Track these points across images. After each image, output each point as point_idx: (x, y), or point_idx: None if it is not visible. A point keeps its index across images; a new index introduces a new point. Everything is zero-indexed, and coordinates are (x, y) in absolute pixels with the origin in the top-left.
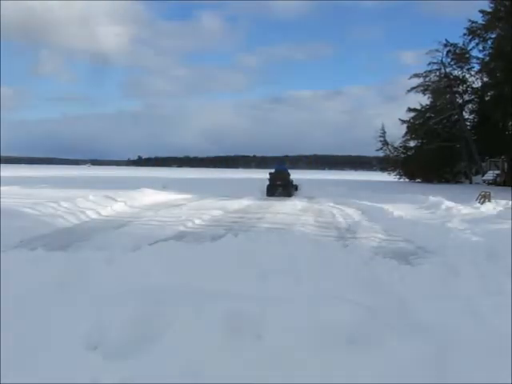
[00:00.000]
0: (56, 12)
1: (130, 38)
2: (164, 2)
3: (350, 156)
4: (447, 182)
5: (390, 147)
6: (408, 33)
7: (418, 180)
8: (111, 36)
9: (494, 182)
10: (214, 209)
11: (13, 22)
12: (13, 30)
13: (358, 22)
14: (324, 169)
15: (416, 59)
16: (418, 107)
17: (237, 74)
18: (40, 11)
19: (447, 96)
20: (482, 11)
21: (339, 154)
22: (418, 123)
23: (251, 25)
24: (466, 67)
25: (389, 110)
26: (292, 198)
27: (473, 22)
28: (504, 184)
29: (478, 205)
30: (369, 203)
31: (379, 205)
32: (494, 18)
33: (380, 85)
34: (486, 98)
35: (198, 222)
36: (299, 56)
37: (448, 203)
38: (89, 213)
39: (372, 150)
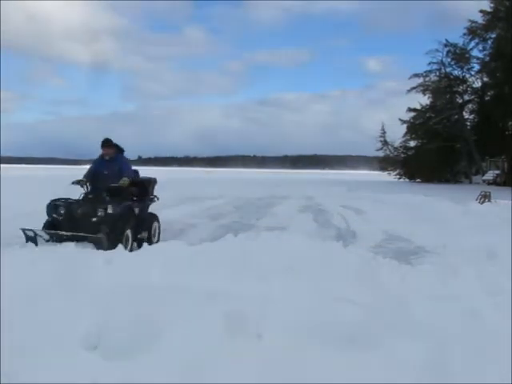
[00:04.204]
0: (48, 24)
1: (119, 46)
2: (150, 16)
3: (349, 156)
4: (447, 181)
5: (390, 147)
6: (374, 41)
7: (418, 180)
8: (101, 45)
9: (494, 182)
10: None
11: (12, 31)
12: (12, 38)
13: (329, 31)
14: (324, 168)
15: (382, 65)
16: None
17: (224, 78)
18: (38, 22)
19: (447, 96)
20: (482, 11)
21: (339, 154)
22: (418, 123)
23: (234, 35)
24: (466, 67)
25: (374, 111)
26: (290, 198)
27: (473, 22)
28: (504, 184)
29: (478, 205)
30: (369, 203)
31: (379, 204)
32: (494, 18)
33: (359, 88)
34: (486, 98)
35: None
36: (278, 61)
37: (448, 203)
38: None
39: (371, 150)
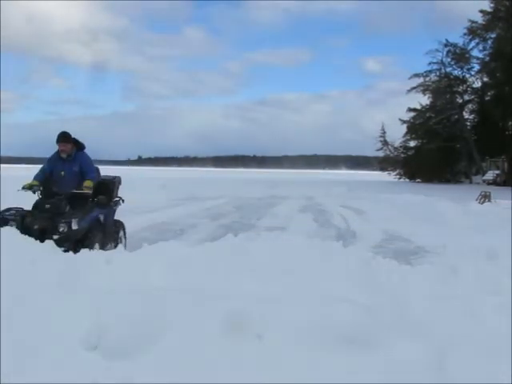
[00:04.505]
0: (47, 25)
1: (119, 46)
2: (149, 17)
3: (350, 156)
4: (447, 181)
5: (390, 147)
6: (373, 41)
7: (418, 180)
8: (101, 45)
9: (494, 182)
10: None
11: (11, 31)
12: (12, 38)
13: (328, 31)
14: (324, 168)
15: (381, 66)
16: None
17: (224, 78)
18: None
19: (447, 96)
20: (482, 11)
21: (339, 154)
22: (418, 123)
23: (233, 35)
24: (466, 67)
25: (374, 111)
26: (290, 198)
27: (473, 22)
28: (504, 184)
29: (478, 205)
30: (369, 203)
31: (379, 204)
32: (494, 18)
33: (358, 89)
34: (486, 98)
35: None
36: (277, 61)
37: (448, 203)
38: None
39: (371, 150)
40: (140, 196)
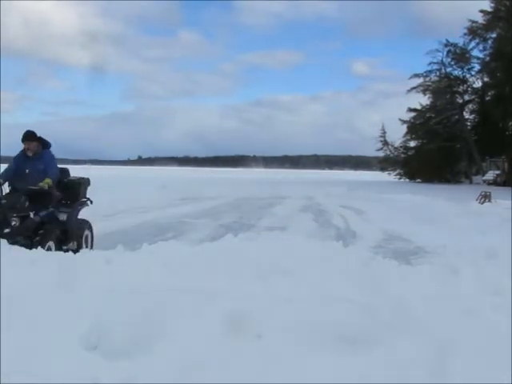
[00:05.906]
0: (44, 28)
1: (116, 49)
2: (143, 21)
3: (350, 156)
4: (447, 181)
5: (390, 147)
6: (366, 43)
7: (418, 180)
8: (98, 48)
9: (494, 182)
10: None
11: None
12: (11, 43)
13: (321, 34)
14: (324, 168)
15: (374, 67)
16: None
17: (219, 80)
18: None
19: (447, 96)
20: (482, 11)
21: (339, 153)
22: (419, 123)
23: (227, 38)
24: (467, 67)
25: (371, 112)
26: (290, 198)
27: (473, 22)
28: (504, 184)
29: (479, 205)
30: (369, 203)
31: (379, 204)
32: (494, 18)
33: (353, 90)
34: (487, 98)
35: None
36: (271, 63)
37: (448, 203)
38: None
39: (371, 150)
40: (140, 196)
